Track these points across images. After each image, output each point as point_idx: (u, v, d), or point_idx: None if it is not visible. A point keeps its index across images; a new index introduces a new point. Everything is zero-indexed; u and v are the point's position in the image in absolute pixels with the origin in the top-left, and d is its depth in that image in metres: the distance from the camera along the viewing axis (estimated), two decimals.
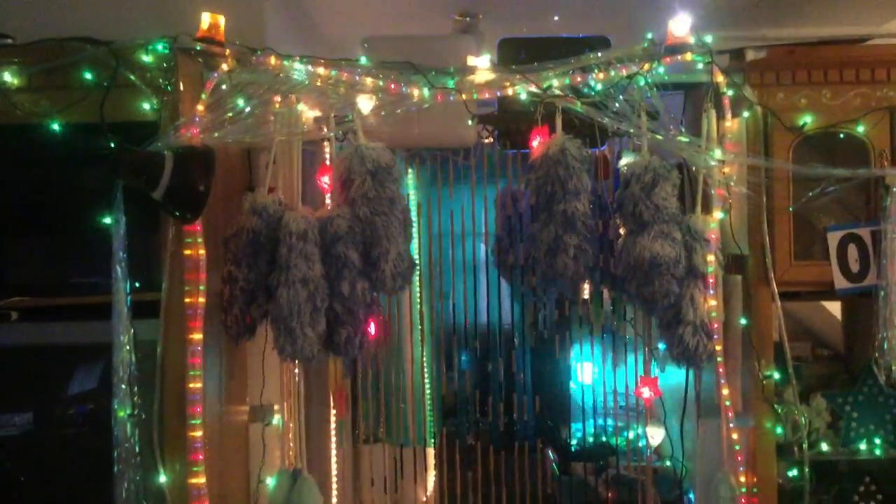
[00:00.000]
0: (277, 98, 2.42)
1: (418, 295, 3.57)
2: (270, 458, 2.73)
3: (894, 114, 2.52)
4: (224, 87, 2.36)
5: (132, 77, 2.32)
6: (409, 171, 3.32)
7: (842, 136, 2.54)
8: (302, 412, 2.72)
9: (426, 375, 3.60)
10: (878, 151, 2.52)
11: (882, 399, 2.64)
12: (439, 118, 2.65)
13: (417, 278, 3.49)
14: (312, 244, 2.39)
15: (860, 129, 2.52)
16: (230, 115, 2.34)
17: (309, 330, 2.35)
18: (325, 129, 2.50)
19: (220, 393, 2.55)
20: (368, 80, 2.39)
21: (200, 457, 2.31)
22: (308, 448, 2.98)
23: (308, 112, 2.58)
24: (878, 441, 2.66)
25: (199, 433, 2.31)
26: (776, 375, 2.58)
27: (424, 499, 3.66)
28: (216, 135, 2.30)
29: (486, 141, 3.12)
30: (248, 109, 2.36)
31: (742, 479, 2.53)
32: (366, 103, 2.44)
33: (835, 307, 3.28)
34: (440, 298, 3.58)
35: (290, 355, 2.36)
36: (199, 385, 2.30)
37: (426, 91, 2.39)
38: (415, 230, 3.42)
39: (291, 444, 2.71)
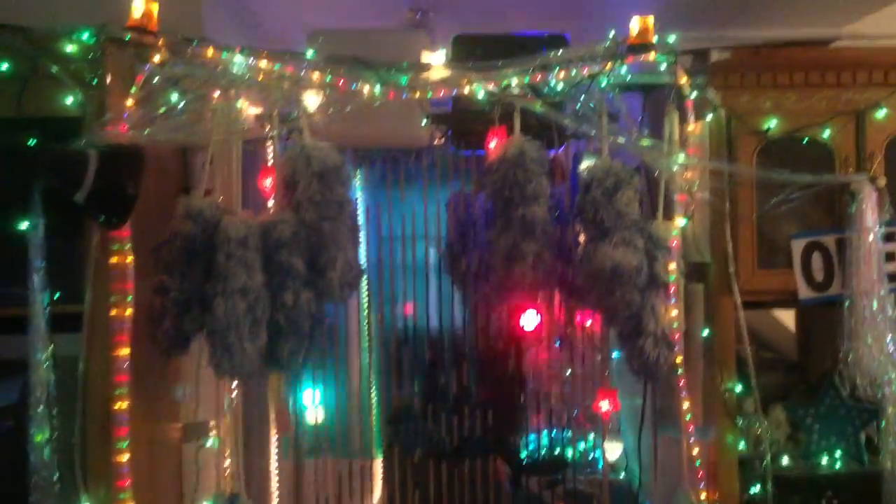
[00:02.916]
0: (216, 93, 2.26)
1: (365, 301, 3.44)
2: (205, 481, 2.55)
3: (860, 118, 2.46)
4: (156, 80, 2.19)
5: (54, 68, 2.14)
6: (358, 172, 3.19)
7: (805, 141, 2.47)
8: (240, 430, 2.55)
9: (373, 385, 3.48)
10: (843, 157, 2.47)
11: (844, 412, 2.59)
12: (391, 117, 2.54)
13: (365, 284, 3.38)
14: (253, 251, 2.23)
15: (825, 133, 2.46)
16: (163, 111, 2.19)
17: (248, 344, 2.19)
18: (268, 128, 2.33)
19: (150, 412, 2.39)
20: (315, 76, 2.23)
21: (128, 483, 2.15)
22: (247, 468, 2.84)
23: (249, 109, 2.42)
24: (839, 454, 2.60)
25: (125, 457, 2.15)
26: (738, 388, 2.50)
27: None
28: (147, 132, 2.15)
29: (437, 143, 2.98)
30: (182, 105, 2.19)
31: (703, 495, 2.45)
32: (312, 100, 2.28)
33: (781, 313, 3.23)
34: (391, 304, 3.47)
35: (228, 372, 2.20)
36: (125, 405, 2.14)
37: (377, 88, 2.25)
38: (363, 234, 3.32)
39: (228, 466, 2.53)
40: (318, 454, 3.51)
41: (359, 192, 3.26)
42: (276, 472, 3.18)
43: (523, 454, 3.52)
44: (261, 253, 2.25)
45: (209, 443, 2.55)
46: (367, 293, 3.46)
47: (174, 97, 2.19)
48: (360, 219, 3.26)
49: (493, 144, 2.44)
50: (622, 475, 3.19)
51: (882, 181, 2.42)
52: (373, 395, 3.53)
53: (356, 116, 2.35)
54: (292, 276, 2.26)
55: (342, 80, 2.24)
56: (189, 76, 2.22)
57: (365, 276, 3.38)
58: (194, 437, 2.62)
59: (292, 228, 2.26)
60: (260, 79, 2.23)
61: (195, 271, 2.24)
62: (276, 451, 3.18)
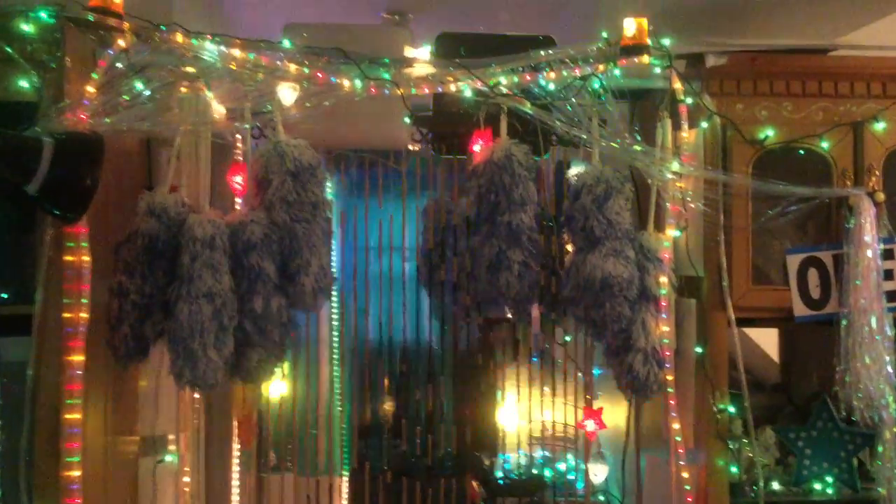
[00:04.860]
0: (184, 83, 2.11)
1: (337, 311, 3.34)
2: (162, 500, 2.38)
3: (857, 130, 2.40)
4: (120, 65, 2.05)
5: (9, 49, 1.99)
6: (333, 175, 3.07)
7: (802, 152, 2.40)
8: (201, 445, 2.39)
9: (344, 399, 3.37)
10: (841, 170, 2.40)
11: (837, 435, 2.49)
12: (371, 116, 2.40)
13: (337, 293, 3.27)
14: (220, 253, 2.10)
15: (824, 145, 2.39)
16: (126, 98, 2.03)
17: (213, 352, 2.06)
18: (240, 121, 2.19)
19: (105, 424, 2.23)
20: (292, 67, 2.10)
21: (78, 501, 1.98)
22: (208, 485, 2.68)
23: (218, 102, 2.27)
24: (830, 480, 2.50)
25: (76, 472, 1.98)
26: (731, 409, 2.40)
27: None
28: (108, 121, 2.00)
29: (414, 148, 2.85)
30: (147, 94, 2.04)
31: None
32: (288, 93, 2.15)
33: (755, 333, 3.14)
34: (364, 316, 3.35)
35: (190, 382, 2.06)
36: (77, 416, 1.98)
37: (358, 82, 2.12)
38: (335, 241, 3.20)
39: (188, 482, 2.37)
40: (282, 470, 3.36)
41: (332, 198, 3.14)
42: (238, 487, 3.02)
43: (499, 474, 3.39)
44: (229, 255, 2.13)
45: (167, 458, 2.37)
46: (339, 302, 3.34)
47: (139, 85, 2.05)
48: (334, 225, 3.18)
49: (477, 147, 2.32)
50: (602, 498, 3.07)
51: (881, 196, 2.35)
52: (342, 408, 3.41)
53: (334, 114, 2.24)
54: (262, 281, 2.14)
55: (321, 73, 2.10)
56: (155, 63, 2.08)
57: (337, 285, 3.28)
58: (152, 452, 2.47)
59: (263, 230, 2.14)
60: (232, 68, 2.09)
61: (157, 273, 2.12)
62: (238, 465, 3.02)
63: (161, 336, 2.12)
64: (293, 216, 2.15)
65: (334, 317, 3.42)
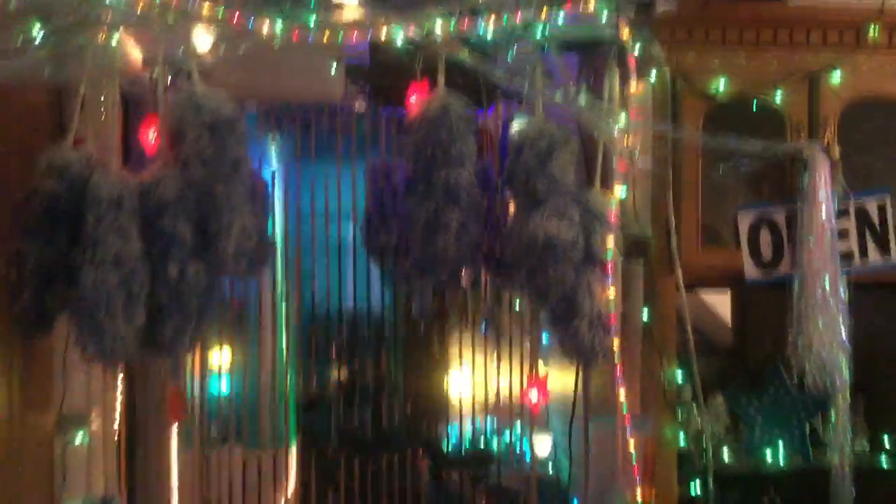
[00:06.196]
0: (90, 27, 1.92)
1: (281, 279, 3.27)
2: (76, 481, 2.22)
3: (813, 82, 2.30)
4: (13, 5, 1.83)
5: None
6: (273, 136, 2.91)
7: (756, 105, 2.30)
8: (117, 421, 2.23)
9: (288, 370, 3.32)
10: (795, 123, 2.31)
11: (789, 402, 2.44)
12: (298, 65, 2.24)
13: (281, 261, 3.20)
14: (129, 214, 1.92)
15: (777, 97, 2.30)
16: (20, 42, 1.82)
17: (122, 324, 1.88)
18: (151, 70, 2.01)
19: (13, 401, 2.08)
20: (206, 7, 1.90)
21: None
22: (136, 463, 2.53)
23: (132, 50, 2.09)
24: (782, 448, 2.42)
25: None
26: (679, 376, 2.30)
27: None
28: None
29: (357, 105, 2.70)
30: (44, 37, 1.83)
31: (638, 493, 2.24)
32: (203, 39, 1.96)
33: (709, 296, 3.12)
34: (311, 282, 3.22)
35: (97, 355, 1.90)
36: None
37: (279, 25, 1.94)
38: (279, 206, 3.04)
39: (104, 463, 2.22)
40: (224, 443, 3.25)
41: (274, 160, 2.98)
42: (176, 463, 2.94)
43: (447, 448, 3.31)
44: (139, 216, 1.94)
45: (77, 439, 2.21)
46: (282, 271, 3.25)
47: (35, 28, 1.85)
48: (275, 189, 3.06)
49: (413, 100, 2.17)
50: (550, 469, 2.99)
51: (836, 151, 2.26)
52: (287, 380, 3.35)
53: (256, 63, 2.09)
54: (177, 245, 1.96)
55: (237, 14, 1.92)
56: (54, 4, 1.87)
57: (279, 253, 3.15)
58: (71, 429, 2.29)
59: (177, 189, 1.95)
60: (139, 10, 1.89)
61: (59, 237, 1.93)
62: (177, 440, 2.94)
63: (66, 306, 1.95)
64: (210, 174, 1.96)
65: (278, 284, 3.31)
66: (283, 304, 3.33)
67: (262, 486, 3.33)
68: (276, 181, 3.11)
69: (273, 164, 3.09)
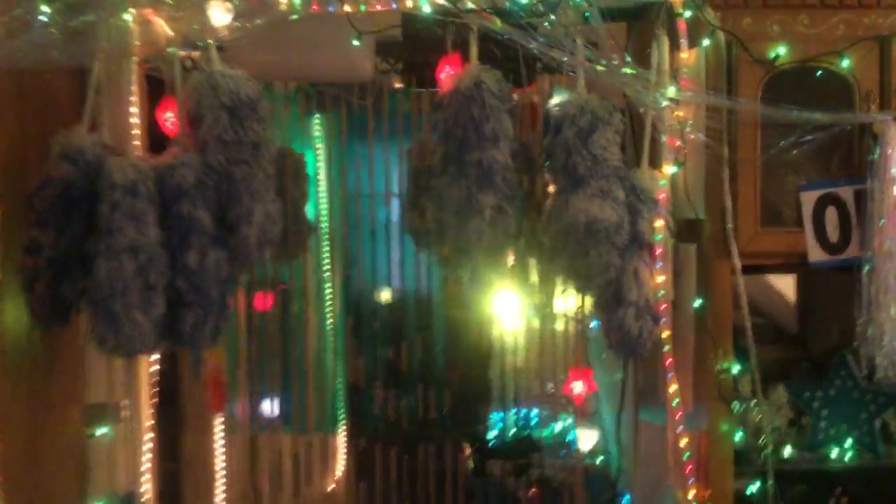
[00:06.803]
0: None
1: (328, 261, 3.29)
2: (104, 474, 2.19)
3: (884, 46, 2.12)
4: None
5: None
6: (318, 117, 2.92)
7: (820, 72, 2.14)
8: (145, 413, 2.19)
9: (337, 355, 3.34)
10: (865, 92, 2.13)
11: (857, 395, 2.27)
12: (325, 42, 2.15)
13: (328, 244, 3.23)
14: (146, 201, 1.87)
15: (845, 64, 2.13)
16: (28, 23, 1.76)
17: (139, 314, 1.85)
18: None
19: (34, 393, 2.03)
20: None
21: None
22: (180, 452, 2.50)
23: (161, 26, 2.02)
24: (849, 444, 2.28)
25: None
26: (736, 368, 2.16)
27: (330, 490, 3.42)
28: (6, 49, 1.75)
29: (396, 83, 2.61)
30: (50, 15, 1.77)
31: (692, 493, 2.13)
32: (220, 14, 1.87)
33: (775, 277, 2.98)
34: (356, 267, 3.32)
35: (113, 348, 1.86)
36: None
37: None
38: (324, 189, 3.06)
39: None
40: (272, 429, 3.33)
41: (321, 143, 3.03)
42: (223, 450, 3.00)
43: (489, 436, 3.23)
44: (156, 203, 1.90)
45: (100, 431, 2.16)
46: (328, 255, 3.28)
47: (43, 6, 1.78)
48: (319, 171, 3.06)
49: (444, 75, 2.05)
50: (599, 460, 2.89)
51: None
52: (335, 366, 3.37)
53: (282, 43, 2.02)
54: (197, 232, 1.91)
55: None
56: None
57: (325, 237, 3.20)
58: (102, 422, 2.26)
59: (196, 174, 1.90)
60: None
61: (74, 225, 1.90)
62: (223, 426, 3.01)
63: (82, 296, 1.90)
64: (230, 158, 1.90)
65: (325, 268, 3.27)
66: (328, 286, 3.32)
67: (311, 471, 3.35)
68: (320, 162, 3.09)
69: (316, 144, 3.07)
